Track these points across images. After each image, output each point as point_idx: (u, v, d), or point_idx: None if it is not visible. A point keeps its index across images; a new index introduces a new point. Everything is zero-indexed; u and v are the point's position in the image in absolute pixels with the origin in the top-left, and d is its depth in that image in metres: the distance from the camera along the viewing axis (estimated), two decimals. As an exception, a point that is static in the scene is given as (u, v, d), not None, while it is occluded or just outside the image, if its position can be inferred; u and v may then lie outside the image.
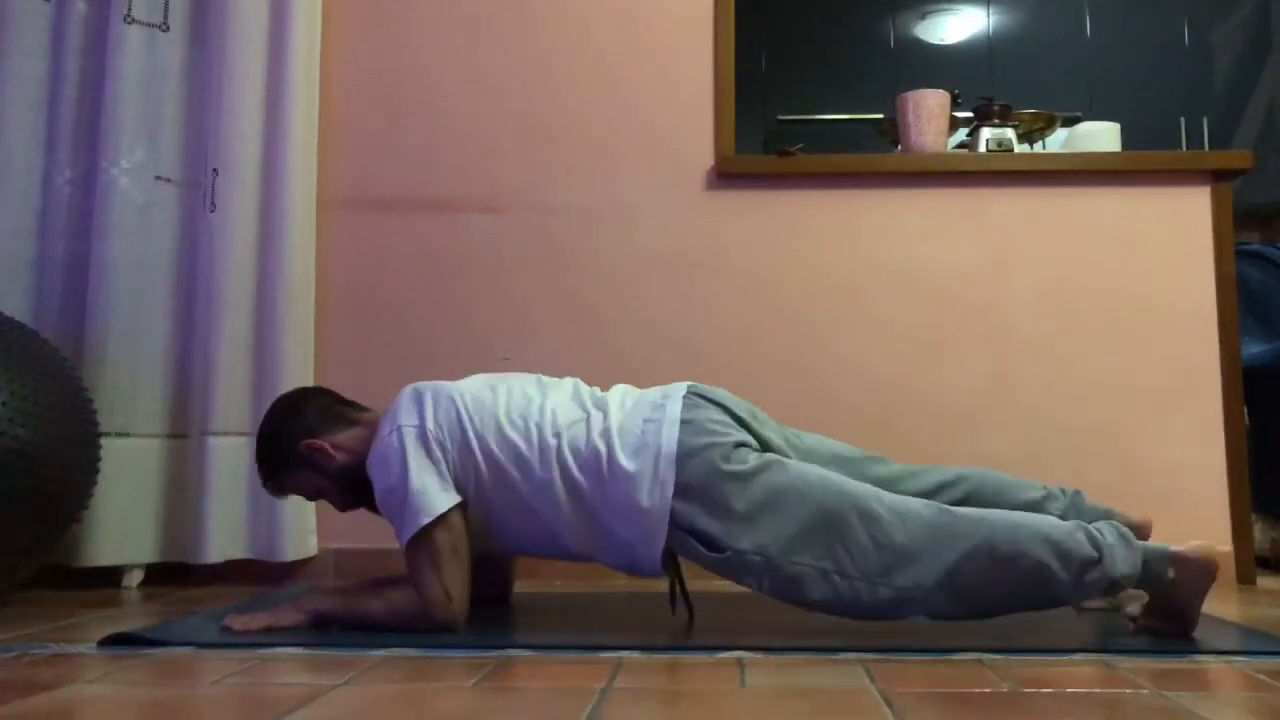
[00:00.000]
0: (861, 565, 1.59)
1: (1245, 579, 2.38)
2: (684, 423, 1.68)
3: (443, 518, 1.67)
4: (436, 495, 1.68)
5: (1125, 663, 1.47)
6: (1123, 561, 1.55)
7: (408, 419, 1.73)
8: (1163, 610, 1.64)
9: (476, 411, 1.74)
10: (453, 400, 1.75)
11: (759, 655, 1.53)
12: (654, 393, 1.78)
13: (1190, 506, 2.40)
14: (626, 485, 1.66)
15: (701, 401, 1.73)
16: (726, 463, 1.64)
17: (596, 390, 1.84)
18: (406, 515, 1.67)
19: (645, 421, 1.70)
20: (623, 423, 1.72)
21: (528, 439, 1.71)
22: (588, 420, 1.73)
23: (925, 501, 1.65)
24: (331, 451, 1.82)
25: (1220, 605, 2.02)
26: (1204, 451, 2.43)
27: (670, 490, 1.64)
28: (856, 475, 1.75)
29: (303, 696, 1.28)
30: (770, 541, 1.61)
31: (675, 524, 1.65)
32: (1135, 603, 1.74)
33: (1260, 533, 2.66)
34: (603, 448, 1.68)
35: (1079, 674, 1.40)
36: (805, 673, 1.41)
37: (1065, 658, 1.50)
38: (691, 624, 1.78)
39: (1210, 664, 1.48)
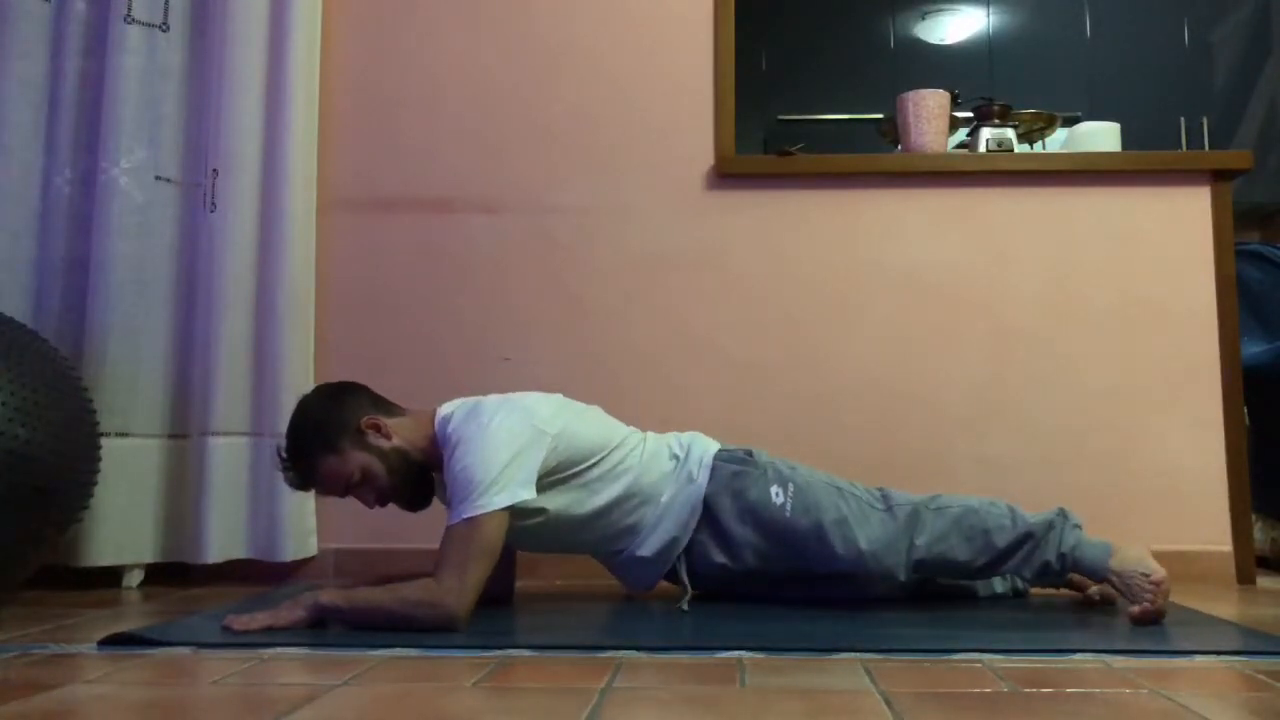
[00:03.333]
0: (866, 494, 1.92)
1: (1245, 579, 2.37)
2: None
3: (499, 513, 1.71)
4: (519, 485, 1.74)
5: (1125, 663, 1.47)
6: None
7: (513, 412, 1.80)
8: (1124, 572, 1.79)
9: (564, 413, 1.89)
10: (543, 404, 1.87)
11: (759, 655, 1.53)
12: None
13: (1190, 506, 2.40)
14: (682, 446, 1.98)
15: None
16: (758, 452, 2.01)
17: None
18: (479, 493, 1.70)
19: (676, 437, 2.05)
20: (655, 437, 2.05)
21: (612, 434, 1.93)
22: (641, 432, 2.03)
23: None
24: (389, 429, 1.86)
25: (1220, 605, 2.02)
26: (1204, 451, 2.43)
27: (716, 445, 1.99)
28: None
29: (303, 696, 1.28)
30: (795, 465, 1.96)
31: (717, 460, 1.94)
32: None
33: (1260, 533, 2.66)
34: (657, 437, 2.00)
35: (1079, 674, 1.40)
36: (805, 673, 1.41)
37: (1065, 658, 1.50)
38: (687, 597, 1.93)
39: (1210, 664, 1.48)
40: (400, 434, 1.88)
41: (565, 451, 1.85)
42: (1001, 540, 1.84)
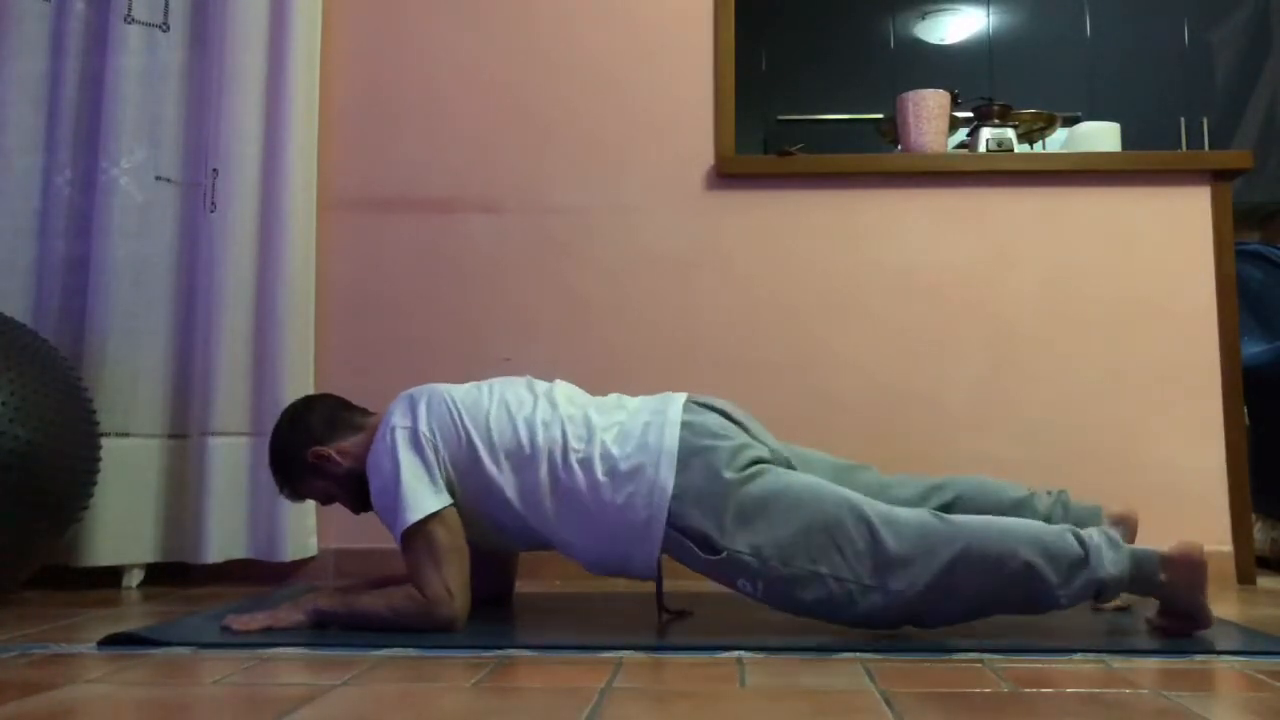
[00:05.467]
0: (855, 569, 1.60)
1: (1245, 579, 2.38)
2: (685, 424, 1.71)
3: (436, 516, 1.69)
4: (427, 496, 1.69)
5: (1125, 663, 1.47)
6: (1110, 563, 1.57)
7: (402, 421, 1.76)
8: (1170, 611, 1.65)
9: (469, 412, 1.77)
10: (445, 402, 1.78)
11: (759, 655, 1.53)
12: (655, 399, 1.81)
13: (1190, 506, 2.40)
14: (624, 485, 1.68)
15: (701, 408, 1.76)
16: (727, 467, 1.66)
17: (588, 396, 1.87)
18: (398, 514, 1.69)
19: (646, 424, 1.72)
20: (623, 424, 1.74)
21: (518, 439, 1.74)
22: (586, 421, 1.75)
23: (915, 509, 1.67)
24: (337, 458, 1.84)
25: (1220, 605, 2.02)
26: (1203, 451, 2.43)
27: (669, 491, 1.66)
28: (846, 484, 1.77)
29: (303, 696, 1.28)
30: (766, 543, 1.62)
31: (671, 523, 1.66)
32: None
33: (1260, 533, 2.66)
34: (599, 448, 1.71)
35: (1079, 674, 1.40)
36: (805, 673, 1.41)
37: (1065, 658, 1.50)
38: (670, 620, 1.79)
39: (1210, 664, 1.48)
40: (353, 453, 1.83)
41: (466, 442, 1.74)
42: (1023, 614, 1.65)
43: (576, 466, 1.70)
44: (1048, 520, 1.79)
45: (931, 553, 1.58)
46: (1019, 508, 1.82)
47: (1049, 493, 1.88)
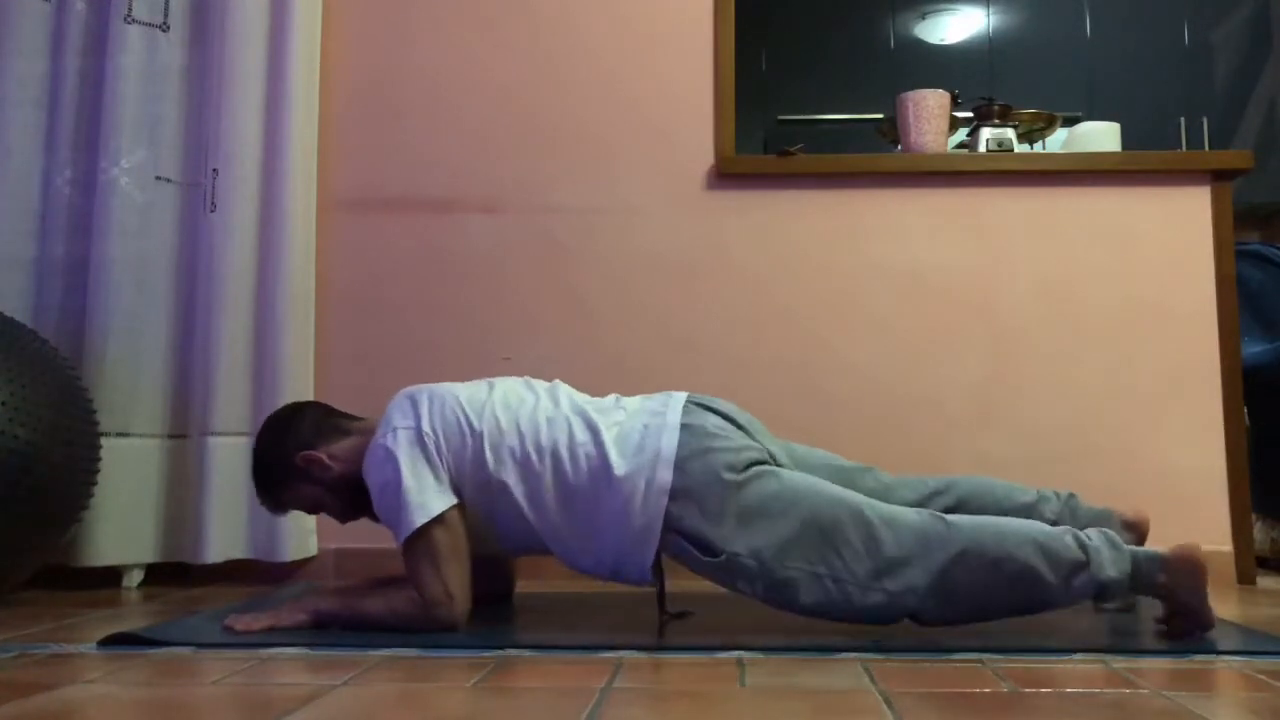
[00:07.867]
0: (854, 569, 1.60)
1: (1245, 579, 2.38)
2: (684, 427, 1.70)
3: (438, 518, 1.68)
4: (432, 496, 1.69)
5: (1125, 663, 1.47)
6: (1110, 564, 1.57)
7: (403, 421, 1.74)
8: (1173, 611, 1.65)
9: (473, 411, 1.76)
10: (447, 401, 1.77)
11: (759, 655, 1.53)
12: (654, 399, 1.80)
13: (1190, 506, 2.40)
14: (621, 487, 1.67)
15: (702, 410, 1.75)
16: (726, 469, 1.66)
17: (587, 396, 1.86)
18: (402, 515, 1.68)
19: (645, 426, 1.72)
20: (621, 425, 1.74)
21: (522, 437, 1.73)
22: (586, 422, 1.74)
23: (916, 509, 1.67)
24: (328, 462, 1.82)
25: (1220, 605, 2.01)
26: (1204, 451, 2.43)
27: (665, 495, 1.66)
28: (848, 486, 1.77)
29: (303, 696, 1.28)
30: (765, 545, 1.63)
31: (670, 526, 1.66)
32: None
33: (1260, 533, 2.66)
34: (598, 450, 1.71)
35: (1079, 674, 1.40)
36: (805, 673, 1.41)
37: (1065, 658, 1.51)
38: (669, 622, 1.77)
39: (1210, 664, 1.48)
40: (343, 457, 1.81)
41: (471, 441, 1.72)
42: (1024, 615, 1.65)
43: (584, 464, 1.70)
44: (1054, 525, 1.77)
45: (929, 554, 1.59)
46: (1025, 513, 1.81)
47: (1057, 495, 1.87)
